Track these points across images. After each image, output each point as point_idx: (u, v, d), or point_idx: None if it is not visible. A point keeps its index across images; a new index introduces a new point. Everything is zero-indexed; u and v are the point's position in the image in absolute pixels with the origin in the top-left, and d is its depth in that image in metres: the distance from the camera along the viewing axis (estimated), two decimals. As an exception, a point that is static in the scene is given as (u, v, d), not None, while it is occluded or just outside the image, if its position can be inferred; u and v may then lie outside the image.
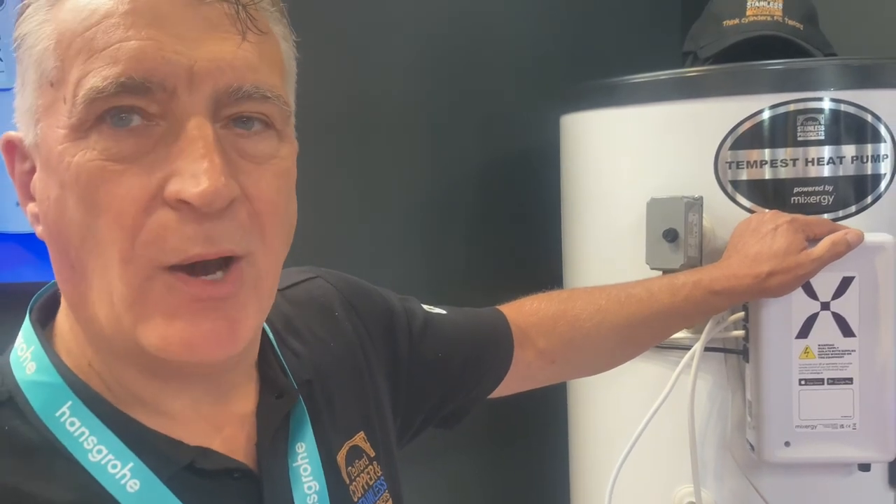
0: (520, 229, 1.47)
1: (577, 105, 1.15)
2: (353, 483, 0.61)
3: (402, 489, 0.69)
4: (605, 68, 1.16)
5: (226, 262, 0.48)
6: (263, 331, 0.61)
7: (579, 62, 1.48)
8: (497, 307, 0.87)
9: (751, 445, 0.98)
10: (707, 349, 0.98)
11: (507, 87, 1.46)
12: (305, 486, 0.56)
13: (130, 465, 0.49)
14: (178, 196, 0.46)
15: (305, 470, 0.57)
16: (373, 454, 0.65)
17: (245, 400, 0.57)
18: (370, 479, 0.64)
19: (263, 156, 0.50)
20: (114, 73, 0.45)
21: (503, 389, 0.85)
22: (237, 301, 0.49)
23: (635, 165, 1.06)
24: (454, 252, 1.43)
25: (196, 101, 0.47)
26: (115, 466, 0.49)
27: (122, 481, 0.49)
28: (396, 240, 1.38)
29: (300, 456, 0.57)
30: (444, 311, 0.81)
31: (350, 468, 0.62)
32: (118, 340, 0.49)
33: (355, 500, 0.61)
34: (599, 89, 1.10)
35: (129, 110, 0.46)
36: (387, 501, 0.65)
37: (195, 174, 0.45)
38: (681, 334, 1.00)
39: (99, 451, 0.49)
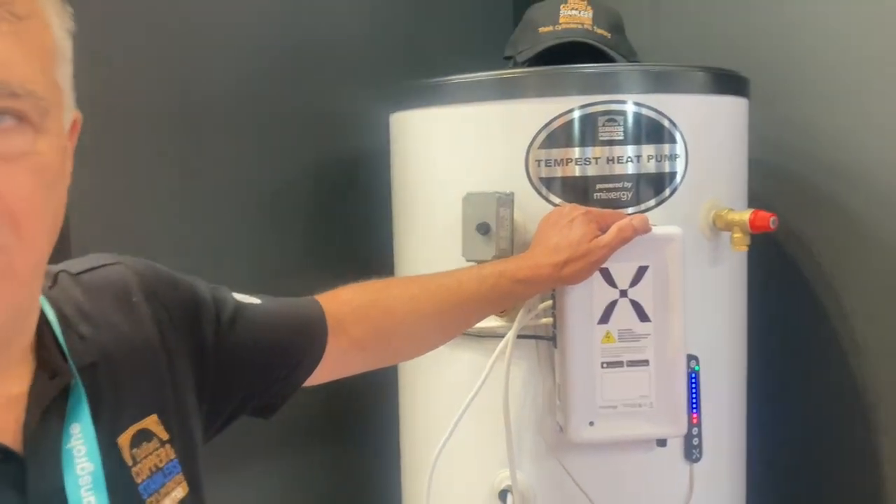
0: (353, 226, 1.50)
1: (403, 104, 1.18)
2: (138, 465, 0.61)
3: (202, 473, 0.69)
4: (440, 68, 1.20)
5: None
6: (43, 315, 0.60)
7: (413, 61, 1.53)
8: (313, 297, 0.89)
9: (559, 427, 1.03)
10: (520, 336, 1.03)
11: (340, 85, 1.48)
12: (78, 467, 0.56)
13: None
14: None
15: (79, 451, 0.56)
16: (166, 437, 0.65)
17: (17, 383, 0.57)
18: (159, 461, 0.64)
19: (15, 153, 0.49)
20: None
21: (318, 378, 0.86)
22: None
23: (455, 162, 1.10)
24: (287, 250, 1.44)
25: None
26: None
27: None
28: (227, 237, 1.37)
29: (74, 437, 0.57)
30: (257, 301, 0.82)
31: (135, 450, 0.62)
32: None
33: (138, 481, 0.61)
34: (422, 88, 1.14)
35: None
36: (179, 484, 0.65)
37: None
38: (496, 322, 1.05)
39: None
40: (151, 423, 0.64)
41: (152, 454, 0.63)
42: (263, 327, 0.78)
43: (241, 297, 0.80)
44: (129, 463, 0.61)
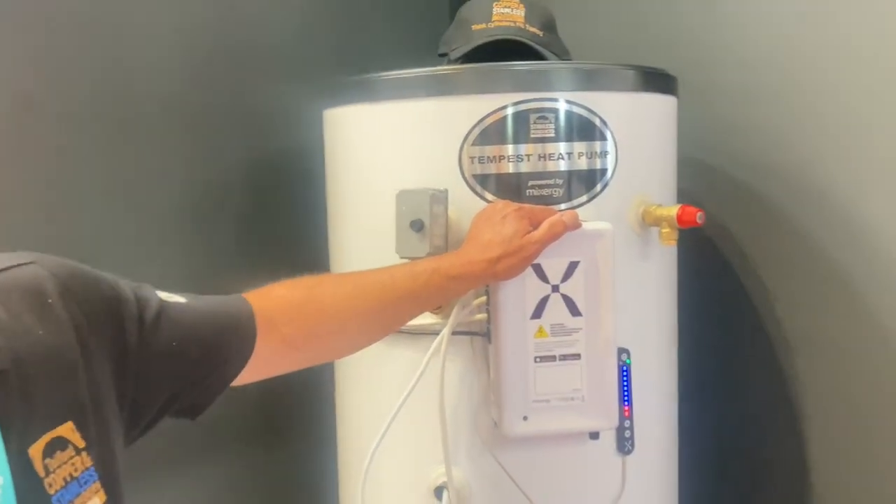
0: (288, 224, 1.48)
1: (336, 100, 1.17)
2: (51, 475, 0.59)
3: (121, 480, 0.67)
4: (374, 65, 1.19)
5: None
6: None
7: (348, 58, 1.52)
8: (242, 294, 0.87)
9: (494, 422, 1.04)
10: (455, 333, 1.03)
11: (273, 81, 1.46)
12: None
13: None
14: None
15: None
16: (82, 445, 0.63)
17: None
18: (75, 470, 0.61)
19: None
20: None
21: (249, 377, 0.84)
22: None
23: (389, 159, 1.10)
24: (220, 249, 1.42)
25: None
26: None
27: None
28: (158, 237, 1.34)
29: None
30: (183, 300, 0.79)
31: (48, 460, 0.59)
32: None
33: (52, 492, 0.58)
34: (356, 84, 1.13)
35: None
36: (96, 492, 0.63)
37: None
38: (431, 320, 1.05)
39: None
40: (67, 430, 0.62)
41: (67, 463, 0.61)
42: (189, 326, 0.77)
43: (165, 295, 0.78)
44: (42, 474, 0.58)
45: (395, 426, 1.04)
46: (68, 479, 0.60)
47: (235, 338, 0.82)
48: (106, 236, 1.29)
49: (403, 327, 1.02)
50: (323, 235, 1.26)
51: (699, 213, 1.04)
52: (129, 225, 1.32)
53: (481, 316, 1.04)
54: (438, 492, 1.07)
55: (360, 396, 1.19)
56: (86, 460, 0.63)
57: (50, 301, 0.67)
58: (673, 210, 1.05)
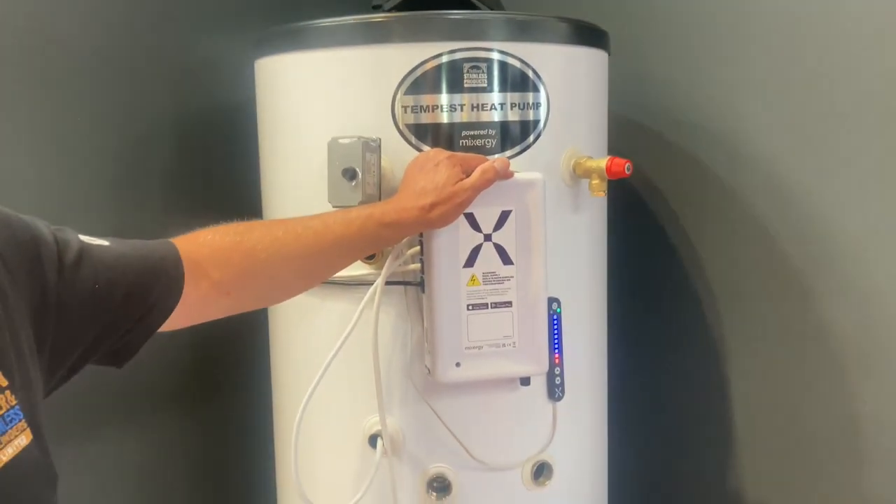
0: (219, 177, 1.46)
1: (268, 49, 1.15)
2: None
3: (44, 422, 0.66)
4: (307, 14, 1.17)
5: None
6: None
7: (280, 6, 1.49)
8: (170, 239, 0.85)
9: (428, 369, 1.05)
10: (388, 283, 1.04)
11: (205, 29, 1.43)
12: None
13: None
14: None
15: None
16: (5, 384, 0.62)
17: None
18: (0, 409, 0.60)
19: None
20: None
21: (176, 322, 0.83)
22: None
23: (323, 108, 1.09)
24: (151, 202, 1.39)
25: None
26: None
27: None
28: (82, 193, 1.30)
29: None
30: (106, 243, 0.77)
31: None
32: None
33: None
34: (287, 33, 1.11)
35: None
36: (23, 430, 0.62)
37: None
38: (365, 270, 1.05)
39: None
40: None
41: None
42: (112, 269, 0.75)
43: (87, 238, 0.76)
44: None
45: (329, 376, 1.04)
46: None
47: (162, 282, 0.80)
48: (30, 190, 1.25)
49: (337, 278, 1.02)
50: (255, 187, 1.25)
51: (627, 164, 1.06)
52: (55, 178, 1.28)
53: (415, 266, 1.05)
54: (373, 440, 1.08)
55: (294, 348, 1.19)
56: (10, 399, 0.61)
57: None
58: (602, 161, 1.07)
